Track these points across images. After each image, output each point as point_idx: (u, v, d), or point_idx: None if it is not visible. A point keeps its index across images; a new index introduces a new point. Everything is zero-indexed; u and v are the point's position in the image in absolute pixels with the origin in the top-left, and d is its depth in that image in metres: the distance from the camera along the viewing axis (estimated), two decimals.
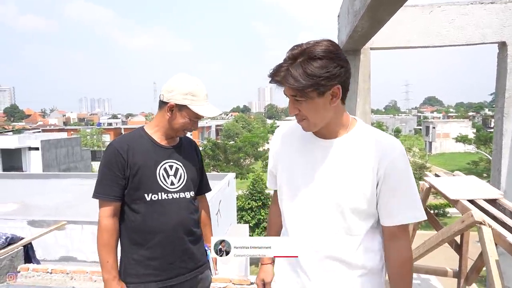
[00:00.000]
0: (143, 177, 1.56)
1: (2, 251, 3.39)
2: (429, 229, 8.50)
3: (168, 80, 1.64)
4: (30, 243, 3.78)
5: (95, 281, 3.58)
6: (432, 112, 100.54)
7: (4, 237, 3.45)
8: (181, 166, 1.67)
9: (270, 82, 1.15)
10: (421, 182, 3.19)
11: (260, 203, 16.87)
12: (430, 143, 47.25)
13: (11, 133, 44.41)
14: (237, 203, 13.80)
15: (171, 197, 1.60)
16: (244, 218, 16.18)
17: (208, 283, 1.80)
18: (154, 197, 1.57)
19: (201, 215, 1.82)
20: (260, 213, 16.72)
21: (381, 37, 3.78)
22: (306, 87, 1.09)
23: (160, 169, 1.60)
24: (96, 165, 38.14)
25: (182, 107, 1.60)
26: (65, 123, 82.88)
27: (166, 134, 1.67)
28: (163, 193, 1.59)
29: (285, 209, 1.33)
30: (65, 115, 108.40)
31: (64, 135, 35.57)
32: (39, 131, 43.04)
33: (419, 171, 21.18)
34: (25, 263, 3.68)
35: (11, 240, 3.52)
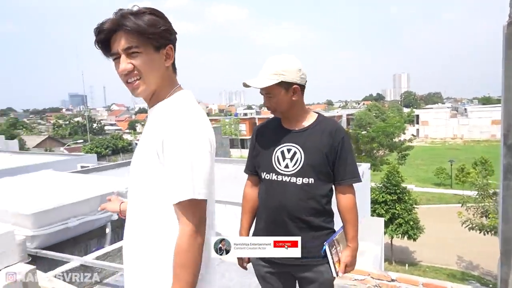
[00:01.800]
0: (262, 157, 1.71)
1: None
2: None
3: None
4: None
5: None
6: None
7: None
8: (299, 151, 1.63)
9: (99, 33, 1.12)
10: None
11: (395, 197, 15.74)
12: None
13: None
14: (370, 196, 13.18)
15: (280, 179, 1.63)
16: (377, 211, 15.39)
17: (325, 280, 1.66)
18: (267, 176, 1.68)
19: (339, 208, 1.69)
20: (395, 207, 15.61)
21: None
22: (147, 33, 1.09)
23: (277, 151, 1.66)
24: (233, 152, 41.85)
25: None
26: (208, 114, 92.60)
27: (284, 116, 1.72)
28: (273, 174, 1.65)
29: None
30: (208, 107, 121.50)
31: None
32: None
33: None
34: None
35: None
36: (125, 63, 1.12)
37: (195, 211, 1.09)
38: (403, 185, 16.52)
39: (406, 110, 58.98)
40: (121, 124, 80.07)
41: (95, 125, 64.41)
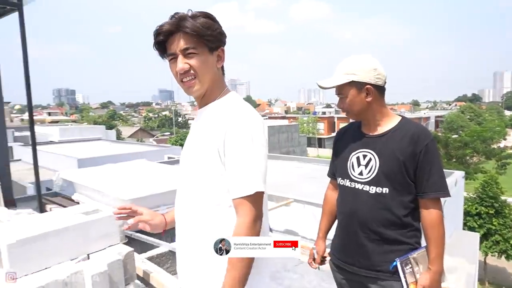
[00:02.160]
0: (339, 162, 1.67)
1: None
2: None
3: None
4: None
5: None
6: None
7: None
8: (374, 157, 1.53)
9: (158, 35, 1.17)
10: None
11: (493, 211, 14.07)
12: None
13: None
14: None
15: (353, 186, 1.57)
16: (468, 224, 13.92)
17: None
18: (342, 182, 1.64)
19: (422, 223, 1.51)
20: (491, 222, 13.96)
21: None
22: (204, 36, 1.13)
23: (352, 157, 1.61)
24: (310, 150, 41.44)
25: None
26: (286, 112, 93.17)
27: (360, 119, 1.65)
28: (348, 180, 1.60)
29: None
30: (286, 104, 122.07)
31: (285, 122, 40.05)
32: (266, 118, 50.18)
33: None
34: None
35: None
36: (182, 63, 1.17)
37: (257, 203, 1.14)
38: (503, 197, 14.69)
39: (508, 113, 52.29)
40: None
41: (180, 118, 68.99)
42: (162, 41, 1.19)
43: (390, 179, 1.48)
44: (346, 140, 1.68)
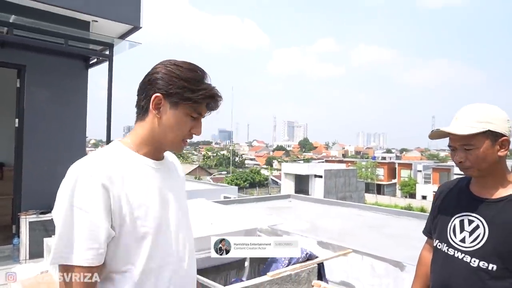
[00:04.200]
0: (438, 221, 1.50)
1: (303, 264, 3.93)
2: None
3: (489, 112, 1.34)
4: (322, 262, 4.18)
5: None
6: None
7: (305, 253, 4.00)
8: (483, 225, 1.30)
9: None
10: None
11: None
12: None
13: (302, 161, 53.28)
14: None
15: (452, 253, 1.37)
16: None
17: None
18: (439, 245, 1.46)
19: None
20: None
21: None
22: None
23: (455, 219, 1.41)
24: (368, 197, 39.72)
25: None
26: (343, 155, 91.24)
27: (478, 177, 1.39)
28: (445, 245, 1.41)
29: None
30: (344, 148, 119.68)
31: (343, 166, 39.16)
32: (323, 162, 49.44)
33: None
34: (317, 279, 4.09)
35: (309, 257, 4.02)
36: (201, 128, 1.16)
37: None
38: None
39: None
40: (260, 159, 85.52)
41: (237, 158, 70.56)
42: (208, 105, 1.14)
43: (502, 255, 1.24)
44: (450, 198, 1.49)
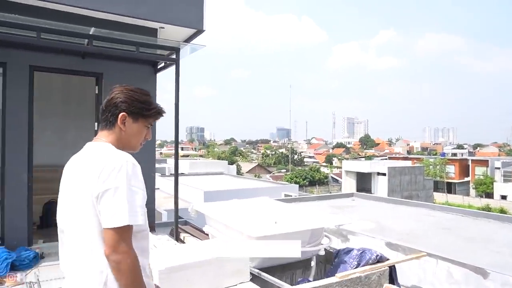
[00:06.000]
0: None
1: (373, 266, 3.76)
2: None
3: None
4: (394, 265, 3.97)
5: None
6: None
7: (375, 254, 3.83)
8: None
9: None
10: None
11: None
12: None
13: (363, 159, 51.43)
14: None
15: None
16: None
17: None
18: None
19: None
20: None
21: None
22: None
23: None
24: (437, 195, 37.11)
25: None
26: (408, 152, 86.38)
27: None
28: None
29: None
30: (408, 144, 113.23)
31: (408, 163, 37.04)
32: (386, 159, 47.20)
33: None
34: (388, 283, 3.90)
35: (380, 259, 3.84)
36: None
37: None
38: None
39: None
40: (319, 157, 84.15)
41: (296, 156, 70.12)
42: (157, 118, 1.61)
43: None
44: None
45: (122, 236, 1.27)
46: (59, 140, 6.56)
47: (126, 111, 1.48)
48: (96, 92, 5.24)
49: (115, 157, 1.38)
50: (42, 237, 4.99)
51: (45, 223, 5.71)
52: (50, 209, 5.74)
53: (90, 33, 4.42)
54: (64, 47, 4.62)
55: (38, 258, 4.25)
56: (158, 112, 1.58)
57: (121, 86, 1.53)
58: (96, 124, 5.27)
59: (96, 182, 1.32)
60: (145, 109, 1.51)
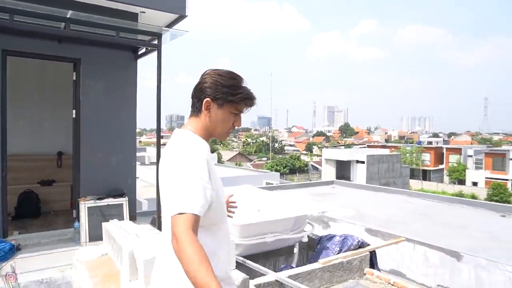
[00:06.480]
0: None
1: (355, 252, 3.85)
2: None
3: None
4: (374, 251, 4.08)
5: None
6: None
7: (357, 240, 3.92)
8: None
9: None
10: None
11: None
12: None
13: (343, 147, 52.22)
14: None
15: None
16: None
17: None
18: None
19: None
20: None
21: None
22: None
23: None
24: (413, 182, 38.23)
25: None
26: (386, 140, 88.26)
27: None
28: None
29: None
30: (387, 133, 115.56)
31: (386, 151, 37.84)
32: (365, 147, 48.08)
33: None
34: (369, 267, 4.01)
35: (361, 245, 3.94)
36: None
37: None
38: None
39: None
40: (299, 145, 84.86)
41: (276, 144, 70.46)
42: (246, 104, 1.49)
43: None
44: None
45: (179, 225, 1.23)
46: (34, 128, 6.34)
47: (211, 96, 1.42)
48: (74, 78, 5.06)
49: (182, 147, 1.37)
50: (17, 228, 4.83)
51: (20, 214, 5.53)
52: (25, 199, 5.57)
53: (68, 16, 4.23)
54: (39, 30, 4.41)
55: (14, 250, 4.13)
56: (246, 97, 1.47)
57: (211, 70, 1.47)
58: (73, 111, 5.11)
59: (164, 171, 1.37)
60: (230, 94, 1.43)
